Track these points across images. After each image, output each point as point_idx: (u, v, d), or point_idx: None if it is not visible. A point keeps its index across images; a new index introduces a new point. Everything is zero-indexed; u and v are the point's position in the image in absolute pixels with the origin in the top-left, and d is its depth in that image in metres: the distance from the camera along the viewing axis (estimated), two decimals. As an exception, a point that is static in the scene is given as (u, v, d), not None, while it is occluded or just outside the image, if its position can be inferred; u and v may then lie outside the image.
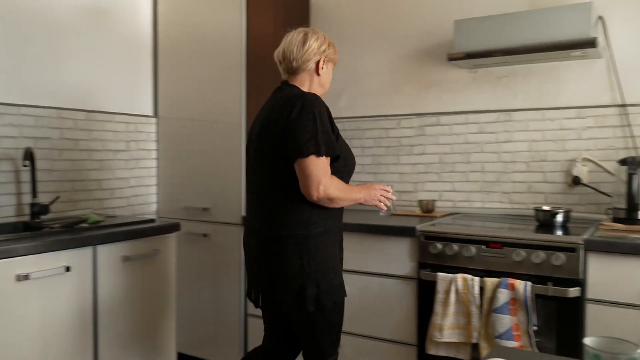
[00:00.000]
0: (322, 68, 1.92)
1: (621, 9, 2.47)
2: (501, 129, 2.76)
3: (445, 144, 2.90)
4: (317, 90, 1.93)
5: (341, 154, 1.84)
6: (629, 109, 2.46)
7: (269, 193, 1.82)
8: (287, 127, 1.73)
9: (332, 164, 1.79)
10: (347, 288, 1.90)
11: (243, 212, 2.78)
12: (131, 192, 3.00)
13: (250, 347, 2.81)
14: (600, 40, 2.42)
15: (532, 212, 2.49)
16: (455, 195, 2.88)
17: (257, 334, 2.78)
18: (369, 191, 1.92)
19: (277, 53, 1.96)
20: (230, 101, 2.81)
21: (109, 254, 2.16)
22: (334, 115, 1.86)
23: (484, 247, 2.15)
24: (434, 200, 2.80)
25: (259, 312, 2.75)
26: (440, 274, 2.17)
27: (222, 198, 2.86)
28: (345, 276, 1.92)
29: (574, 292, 1.96)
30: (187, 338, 2.97)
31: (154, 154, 3.13)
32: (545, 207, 2.42)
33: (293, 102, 1.76)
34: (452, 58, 2.60)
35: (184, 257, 2.94)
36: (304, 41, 1.89)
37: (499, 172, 2.77)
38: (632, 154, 2.43)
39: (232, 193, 2.81)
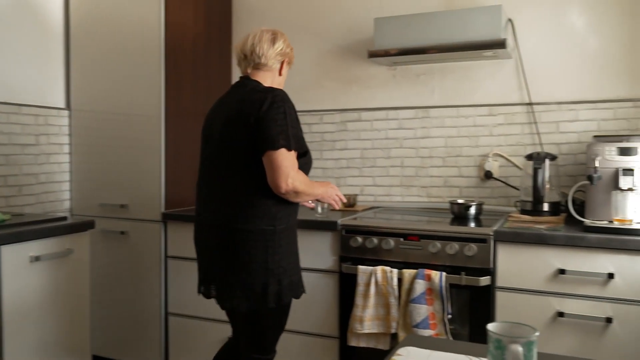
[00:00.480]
0: (284, 69, 1.99)
1: (529, 12, 2.62)
2: (419, 125, 2.85)
3: (367, 139, 2.96)
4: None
5: (307, 151, 1.90)
6: (535, 107, 2.62)
7: (234, 187, 1.81)
8: (258, 119, 1.74)
9: (298, 160, 1.82)
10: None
11: (163, 209, 2.70)
12: (41, 188, 2.83)
13: (172, 347, 2.74)
14: (510, 42, 2.55)
15: (448, 205, 2.59)
16: (376, 189, 2.95)
17: (178, 334, 2.72)
18: (326, 189, 1.98)
19: (243, 47, 1.94)
20: (149, 94, 2.72)
21: (15, 254, 2.03)
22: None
23: (402, 239, 2.22)
24: (356, 195, 2.85)
25: (180, 311, 2.71)
26: (360, 266, 2.21)
27: (140, 194, 2.76)
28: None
29: (484, 280, 2.06)
30: (105, 340, 2.85)
31: (66, 149, 2.96)
32: (460, 201, 2.52)
33: (264, 95, 1.78)
34: (372, 55, 2.64)
35: (100, 256, 2.82)
36: (274, 40, 1.94)
37: (417, 167, 2.86)
38: (538, 149, 2.58)
39: (151, 189, 2.72)
